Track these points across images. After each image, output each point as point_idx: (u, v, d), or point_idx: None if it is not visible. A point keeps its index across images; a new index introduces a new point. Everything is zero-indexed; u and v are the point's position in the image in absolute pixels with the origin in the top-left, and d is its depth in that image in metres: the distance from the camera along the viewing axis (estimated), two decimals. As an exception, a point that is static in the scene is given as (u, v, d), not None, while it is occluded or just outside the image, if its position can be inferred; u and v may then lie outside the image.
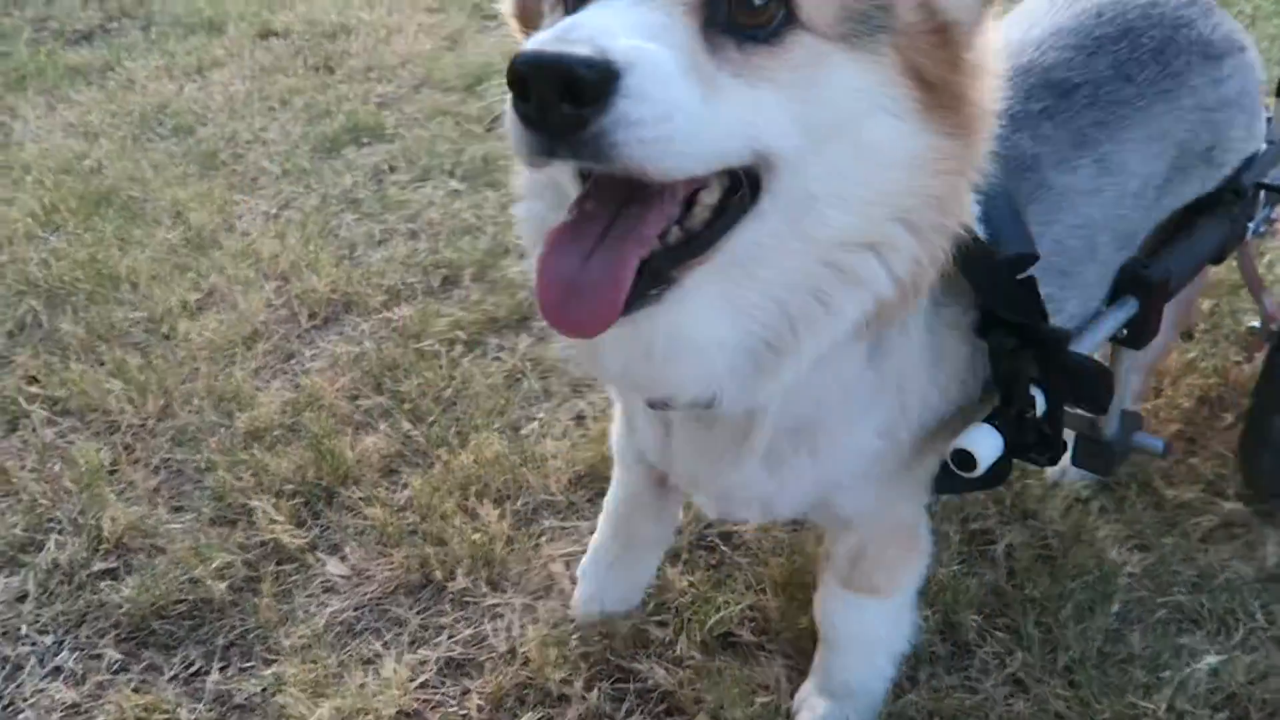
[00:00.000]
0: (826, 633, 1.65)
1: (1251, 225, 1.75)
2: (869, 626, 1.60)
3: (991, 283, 1.23)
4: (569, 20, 0.88)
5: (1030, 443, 1.29)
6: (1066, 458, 1.46)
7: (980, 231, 1.20)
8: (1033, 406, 1.28)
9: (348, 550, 2.09)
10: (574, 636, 1.85)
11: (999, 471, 1.29)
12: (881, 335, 1.20)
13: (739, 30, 0.94)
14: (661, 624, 1.87)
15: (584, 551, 2.01)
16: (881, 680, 1.66)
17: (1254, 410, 1.90)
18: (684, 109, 0.88)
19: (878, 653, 1.64)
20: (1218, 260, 1.70)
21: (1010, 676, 1.74)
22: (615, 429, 1.77)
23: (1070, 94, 1.43)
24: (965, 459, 1.26)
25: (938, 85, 1.03)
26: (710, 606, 1.86)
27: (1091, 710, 1.64)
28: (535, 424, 2.38)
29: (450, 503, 2.13)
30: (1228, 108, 1.56)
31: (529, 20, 1.17)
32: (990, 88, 1.10)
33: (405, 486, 2.21)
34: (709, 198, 0.99)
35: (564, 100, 0.84)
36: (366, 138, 3.84)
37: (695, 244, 1.00)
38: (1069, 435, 1.43)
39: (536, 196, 1.20)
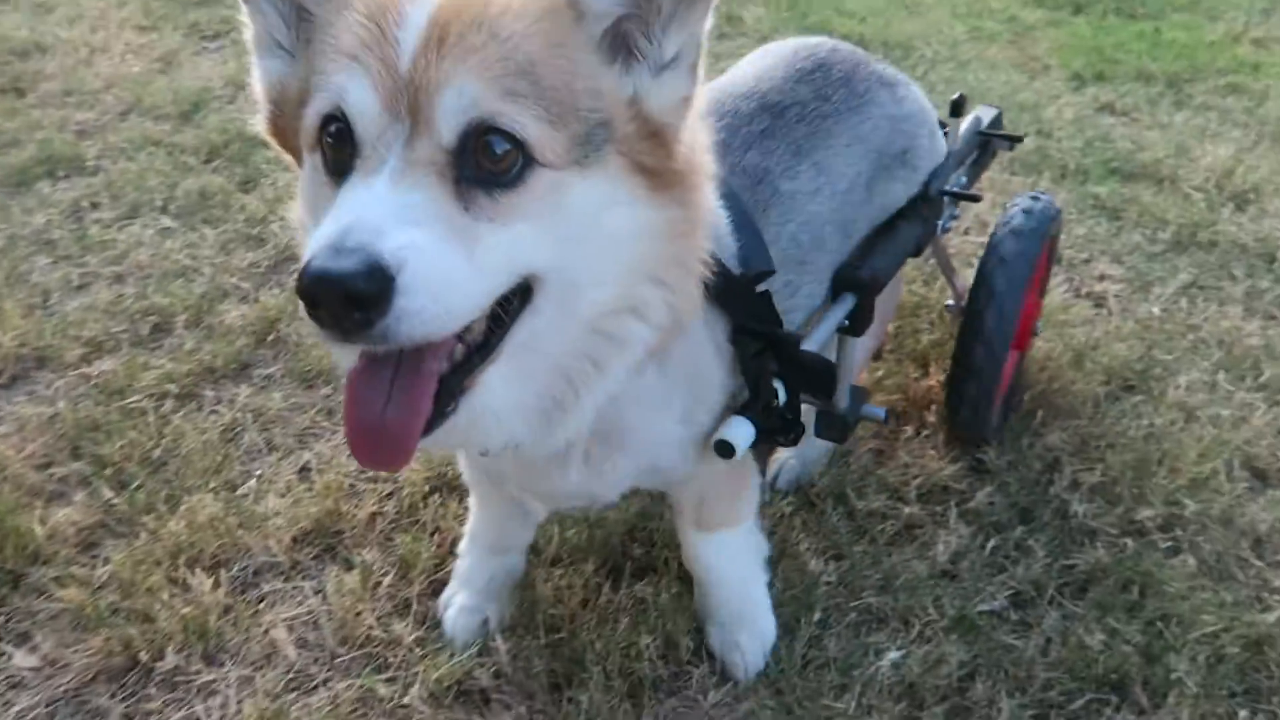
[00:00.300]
0: (701, 575, 1.85)
1: (940, 224, 2.13)
2: (732, 554, 1.83)
3: (735, 301, 1.46)
4: (349, 220, 0.99)
5: (777, 427, 1.54)
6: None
7: (731, 249, 1.46)
8: (776, 397, 1.53)
9: (38, 639, 1.91)
10: (294, 706, 1.79)
11: (759, 453, 1.55)
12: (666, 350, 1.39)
13: (487, 180, 1.07)
14: (390, 680, 1.84)
15: (310, 613, 1.95)
16: (761, 589, 1.89)
17: (954, 369, 2.21)
18: (452, 281, 1.02)
19: (751, 571, 1.87)
20: (916, 254, 2.02)
21: (728, 693, 1.85)
22: (462, 464, 1.90)
23: (783, 113, 1.74)
24: (725, 447, 1.49)
25: (659, 172, 1.20)
26: (440, 657, 1.86)
27: (794, 716, 1.78)
28: (254, 481, 2.27)
29: (158, 575, 2.00)
30: (910, 120, 1.92)
31: (284, 140, 1.26)
32: (701, 161, 1.29)
33: (106, 561, 2.05)
34: (476, 327, 1.13)
35: (350, 310, 0.96)
36: (63, 170, 3.52)
37: (479, 354, 1.14)
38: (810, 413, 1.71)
39: None
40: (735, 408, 1.54)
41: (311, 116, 1.12)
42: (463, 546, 2.00)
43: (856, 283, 1.76)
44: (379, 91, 1.06)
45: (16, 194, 3.39)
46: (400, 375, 1.10)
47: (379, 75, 1.06)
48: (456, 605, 1.94)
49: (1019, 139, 2.41)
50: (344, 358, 1.26)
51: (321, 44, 1.14)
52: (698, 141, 1.29)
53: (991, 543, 2.10)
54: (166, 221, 3.26)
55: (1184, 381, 2.53)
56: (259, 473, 2.30)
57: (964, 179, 2.27)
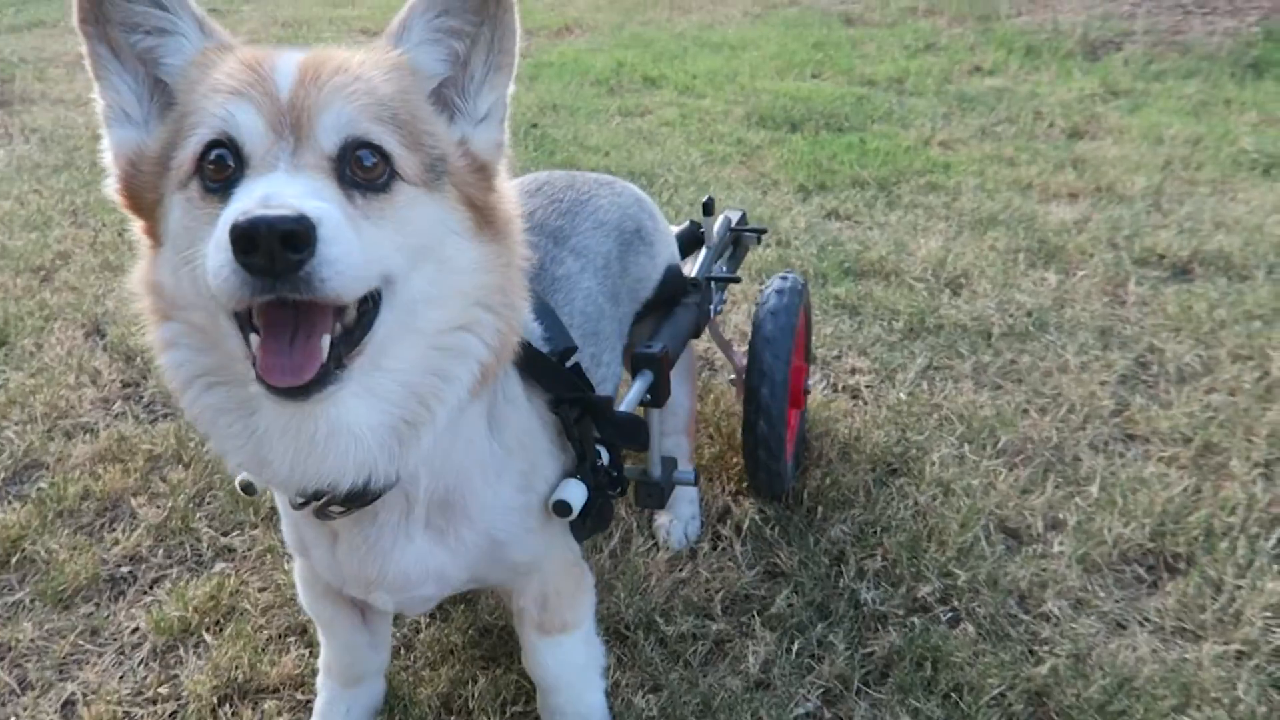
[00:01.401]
0: (542, 679, 1.92)
1: (712, 307, 2.52)
2: (572, 659, 1.90)
3: (549, 376, 1.66)
4: (263, 192, 1.13)
5: (605, 484, 1.73)
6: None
7: (537, 333, 1.67)
8: (600, 457, 1.74)
9: None
10: None
11: (600, 515, 1.71)
12: (495, 412, 1.56)
13: (362, 185, 1.25)
14: None
15: None
16: (599, 694, 1.97)
17: (745, 441, 2.49)
18: (354, 247, 1.17)
19: (589, 676, 1.95)
20: (696, 334, 2.37)
21: None
22: (301, 594, 1.92)
23: (531, 216, 1.99)
24: (562, 507, 1.64)
25: (483, 208, 1.41)
26: None
27: None
28: (8, 730, 2.01)
29: None
30: (633, 205, 2.23)
31: (136, 200, 1.36)
32: (512, 204, 1.51)
33: None
34: (351, 310, 1.26)
35: (284, 250, 1.09)
36: None
37: (352, 337, 1.26)
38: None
39: (182, 346, 1.37)
40: (567, 473, 1.72)
41: (190, 149, 1.25)
42: (319, 681, 2.03)
43: (651, 359, 2.01)
44: (264, 115, 1.23)
45: None
46: (300, 330, 1.22)
47: (262, 103, 1.23)
48: None
49: (763, 230, 2.93)
50: (193, 357, 1.37)
51: (191, 98, 1.29)
52: (510, 194, 1.51)
53: (796, 645, 2.18)
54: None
55: (937, 458, 2.78)
56: (17, 714, 2.03)
57: (724, 268, 2.68)
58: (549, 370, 1.66)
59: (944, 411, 3.02)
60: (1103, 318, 3.57)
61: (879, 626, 2.24)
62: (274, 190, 1.14)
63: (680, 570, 2.43)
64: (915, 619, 2.25)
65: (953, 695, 2.05)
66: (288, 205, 1.10)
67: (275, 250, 1.09)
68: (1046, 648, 2.16)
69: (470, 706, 2.05)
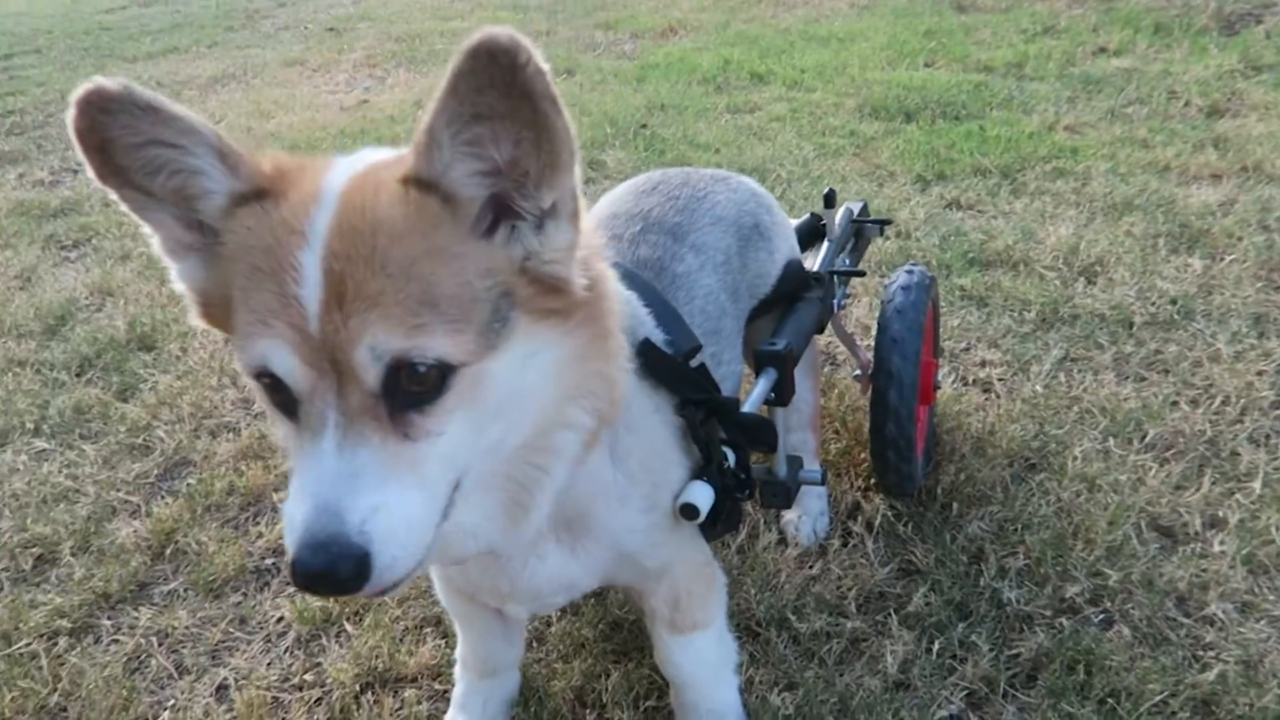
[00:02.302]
0: (675, 676, 1.91)
1: (835, 301, 2.45)
2: (705, 657, 1.89)
3: (674, 377, 1.60)
4: (309, 513, 1.09)
5: (732, 486, 1.66)
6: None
7: (658, 335, 1.60)
8: (727, 459, 1.67)
9: None
10: None
11: (729, 517, 1.67)
12: (616, 444, 1.51)
13: (416, 401, 1.14)
14: None
15: None
16: (733, 692, 1.96)
17: (873, 441, 2.38)
18: (413, 521, 1.13)
19: (722, 673, 1.94)
20: (819, 330, 2.28)
21: None
22: (438, 590, 1.95)
23: (649, 214, 1.98)
24: (690, 510, 1.60)
25: (563, 307, 1.26)
26: None
27: None
28: (168, 713, 2.10)
29: (68, 842, 1.80)
30: (749, 200, 2.16)
31: (221, 324, 1.27)
32: (598, 270, 1.34)
33: (6, 837, 1.84)
34: None
35: (340, 591, 1.11)
36: (-79, 406, 3.31)
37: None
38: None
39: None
40: (694, 474, 1.67)
41: (244, 363, 1.18)
42: (456, 672, 2.07)
43: (775, 357, 1.96)
44: (299, 354, 1.12)
45: None
46: None
47: (295, 341, 1.12)
48: None
49: (888, 221, 2.83)
50: None
51: (232, 277, 1.17)
52: (597, 275, 1.32)
53: (936, 645, 2.10)
54: (40, 444, 3.09)
55: (1079, 453, 2.65)
56: (171, 702, 2.13)
57: (847, 261, 2.61)
58: (674, 372, 1.61)
59: (1084, 404, 2.87)
60: (1256, 304, 3.34)
61: (1024, 627, 2.14)
62: (321, 502, 1.09)
63: (810, 567, 2.37)
64: (1064, 620, 2.14)
65: (1109, 701, 1.93)
66: (336, 541, 1.07)
67: (332, 593, 1.14)
68: (1212, 653, 2.02)
69: (603, 700, 2.05)
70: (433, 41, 9.17)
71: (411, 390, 1.13)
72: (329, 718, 2.07)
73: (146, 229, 1.25)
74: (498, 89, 1.05)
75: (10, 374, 3.49)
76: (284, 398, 1.16)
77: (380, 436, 1.13)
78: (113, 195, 1.21)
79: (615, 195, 2.12)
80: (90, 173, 1.18)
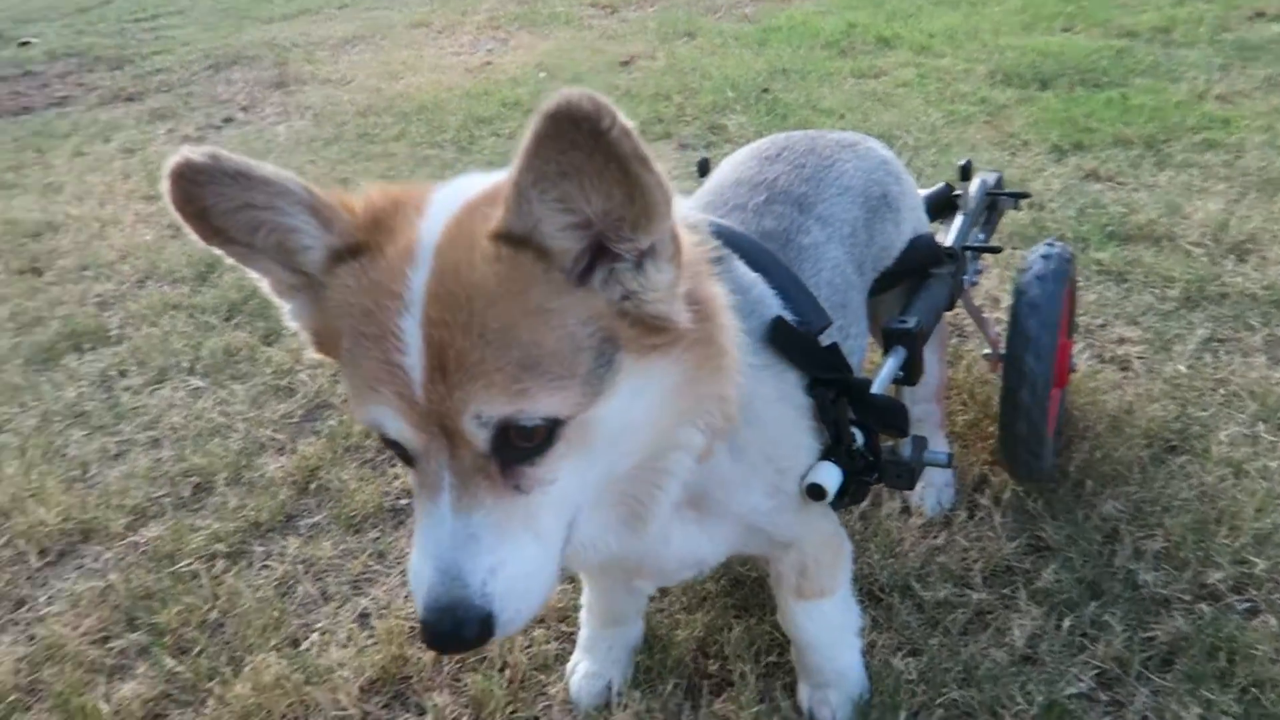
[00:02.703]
0: (798, 638, 1.93)
1: (966, 278, 2.37)
2: (830, 621, 1.91)
3: (805, 356, 1.57)
4: (433, 575, 1.14)
5: (860, 467, 1.64)
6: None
7: (788, 313, 1.57)
8: (855, 441, 1.63)
9: (113, 826, 1.85)
10: None
11: (857, 492, 1.66)
12: (735, 440, 1.47)
13: (526, 455, 1.16)
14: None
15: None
16: (856, 654, 1.98)
17: (1003, 414, 2.27)
18: (531, 574, 1.17)
19: (845, 637, 1.96)
20: (949, 307, 2.22)
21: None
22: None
23: (774, 184, 1.93)
24: (816, 490, 1.58)
25: (669, 341, 1.22)
26: None
27: (899, 825, 1.73)
28: (316, 634, 2.25)
29: (230, 744, 1.96)
30: (878, 169, 2.11)
31: (331, 354, 1.27)
32: (714, 304, 1.30)
33: (175, 735, 2.01)
34: None
35: (468, 649, 1.18)
36: (88, 342, 3.58)
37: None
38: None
39: None
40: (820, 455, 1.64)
41: (359, 420, 1.23)
42: (582, 617, 2.12)
43: (904, 335, 1.94)
44: (408, 420, 1.14)
45: (45, 370, 3.44)
46: None
47: (403, 409, 1.13)
48: (580, 672, 2.07)
49: (1025, 195, 2.72)
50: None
51: (339, 331, 1.18)
52: (695, 283, 1.27)
53: (1067, 622, 2.07)
54: (195, 382, 3.30)
55: (1225, 437, 2.54)
56: (319, 625, 2.28)
57: (981, 236, 2.51)
58: (805, 349, 1.56)
59: (1232, 387, 2.75)
60: None
61: (1161, 611, 2.08)
62: (444, 566, 1.13)
63: (935, 537, 2.36)
64: (1204, 606, 2.07)
65: (1252, 690, 1.87)
66: (460, 605, 1.12)
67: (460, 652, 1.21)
68: (1367, 649, 1.94)
69: (725, 652, 2.09)
70: (554, 4, 9.23)
71: (520, 446, 1.15)
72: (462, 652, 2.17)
73: (254, 275, 1.28)
74: (582, 150, 1.00)
75: (166, 316, 3.72)
76: (401, 451, 1.19)
77: (494, 497, 1.15)
78: (218, 252, 1.23)
79: (738, 159, 2.09)
80: (193, 236, 1.20)
